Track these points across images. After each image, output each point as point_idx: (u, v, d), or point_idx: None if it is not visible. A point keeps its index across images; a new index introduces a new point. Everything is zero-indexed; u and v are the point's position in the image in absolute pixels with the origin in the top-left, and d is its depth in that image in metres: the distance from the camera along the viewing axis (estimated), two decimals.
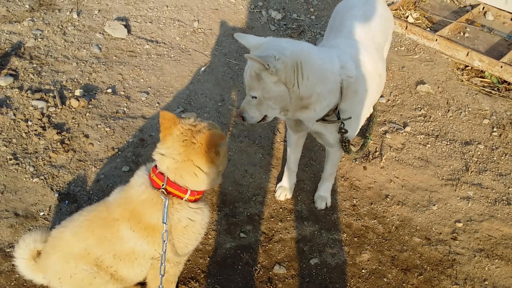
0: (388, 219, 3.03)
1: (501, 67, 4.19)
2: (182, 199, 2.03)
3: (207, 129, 1.97)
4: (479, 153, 3.56)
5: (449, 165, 3.44)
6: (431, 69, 4.34)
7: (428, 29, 4.81)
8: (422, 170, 3.38)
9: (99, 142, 3.21)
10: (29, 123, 3.22)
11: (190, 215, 2.06)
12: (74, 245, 2.05)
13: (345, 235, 2.89)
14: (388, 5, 4.89)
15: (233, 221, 2.88)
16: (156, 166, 2.02)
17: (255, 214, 2.95)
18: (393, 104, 3.92)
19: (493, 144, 3.65)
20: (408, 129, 3.68)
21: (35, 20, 4.12)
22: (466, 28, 4.90)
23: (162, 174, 2.00)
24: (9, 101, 3.35)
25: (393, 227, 2.98)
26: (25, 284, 2.39)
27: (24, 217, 2.71)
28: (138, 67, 3.87)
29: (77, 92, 3.49)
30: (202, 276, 2.58)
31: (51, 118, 3.30)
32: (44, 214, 2.74)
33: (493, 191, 3.28)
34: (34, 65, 3.69)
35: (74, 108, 3.40)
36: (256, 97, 2.28)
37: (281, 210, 3.01)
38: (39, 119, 3.25)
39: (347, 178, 3.26)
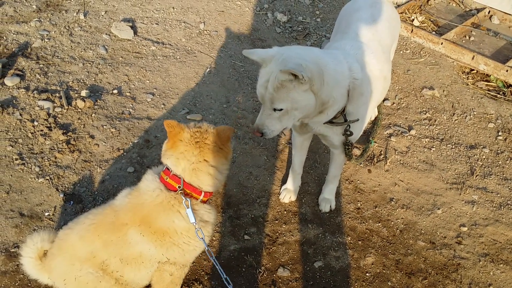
0: (392, 223, 3.02)
1: (507, 71, 4.18)
2: (197, 200, 2.08)
3: (213, 128, 2.06)
4: (484, 157, 3.55)
5: (454, 169, 3.43)
6: (437, 72, 4.33)
7: (434, 32, 4.81)
8: (427, 174, 3.37)
9: (105, 143, 3.22)
10: (35, 123, 3.23)
11: (206, 215, 2.11)
12: (80, 248, 2.05)
13: (349, 238, 2.89)
14: None
15: (237, 223, 2.88)
16: (167, 169, 2.05)
17: (260, 216, 2.95)
18: (398, 107, 3.92)
19: (498, 148, 3.64)
20: (413, 132, 3.67)
21: (42, 20, 4.14)
22: (471, 31, 4.89)
23: (177, 176, 2.03)
24: (16, 101, 3.37)
25: (398, 230, 2.98)
26: (29, 284, 2.40)
27: (29, 217, 2.72)
28: (144, 68, 3.88)
29: (83, 93, 3.51)
30: (206, 278, 2.58)
31: (57, 118, 3.31)
32: (49, 215, 2.75)
33: (498, 195, 3.27)
34: (41, 65, 3.71)
35: (80, 108, 3.41)
36: (281, 109, 2.22)
37: (285, 212, 3.01)
38: (45, 120, 3.27)
39: (352, 181, 3.26)
